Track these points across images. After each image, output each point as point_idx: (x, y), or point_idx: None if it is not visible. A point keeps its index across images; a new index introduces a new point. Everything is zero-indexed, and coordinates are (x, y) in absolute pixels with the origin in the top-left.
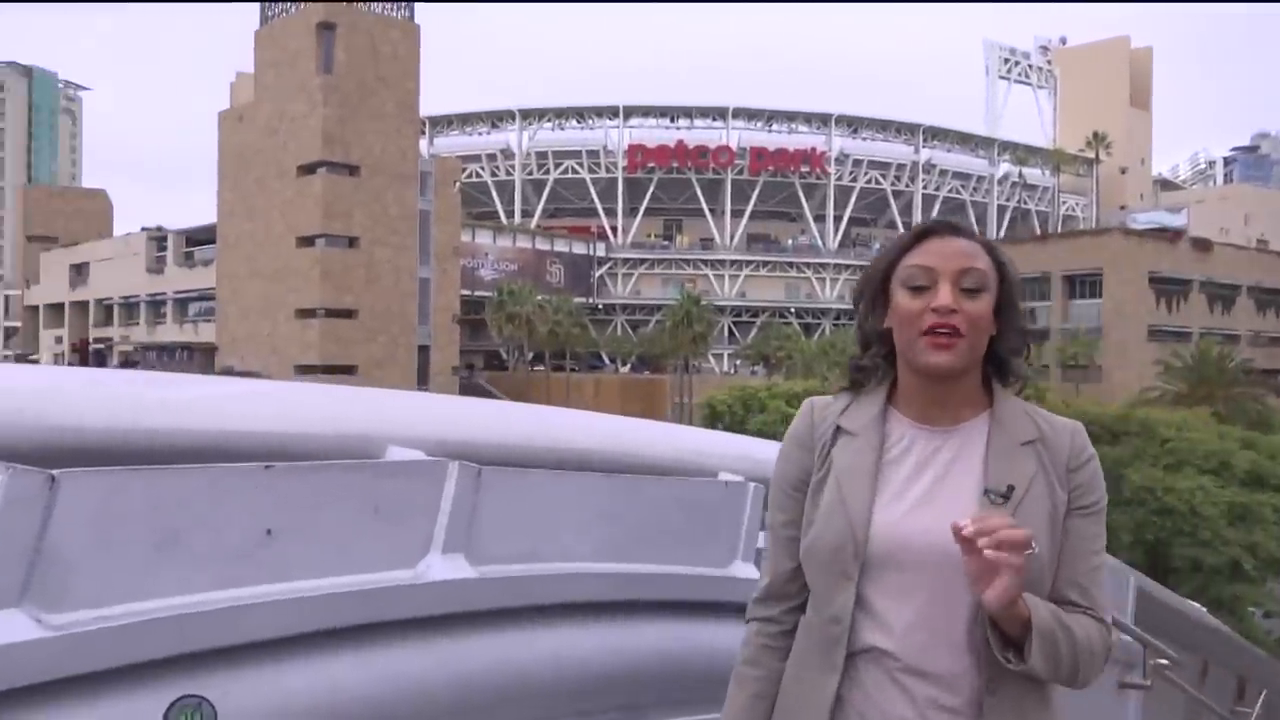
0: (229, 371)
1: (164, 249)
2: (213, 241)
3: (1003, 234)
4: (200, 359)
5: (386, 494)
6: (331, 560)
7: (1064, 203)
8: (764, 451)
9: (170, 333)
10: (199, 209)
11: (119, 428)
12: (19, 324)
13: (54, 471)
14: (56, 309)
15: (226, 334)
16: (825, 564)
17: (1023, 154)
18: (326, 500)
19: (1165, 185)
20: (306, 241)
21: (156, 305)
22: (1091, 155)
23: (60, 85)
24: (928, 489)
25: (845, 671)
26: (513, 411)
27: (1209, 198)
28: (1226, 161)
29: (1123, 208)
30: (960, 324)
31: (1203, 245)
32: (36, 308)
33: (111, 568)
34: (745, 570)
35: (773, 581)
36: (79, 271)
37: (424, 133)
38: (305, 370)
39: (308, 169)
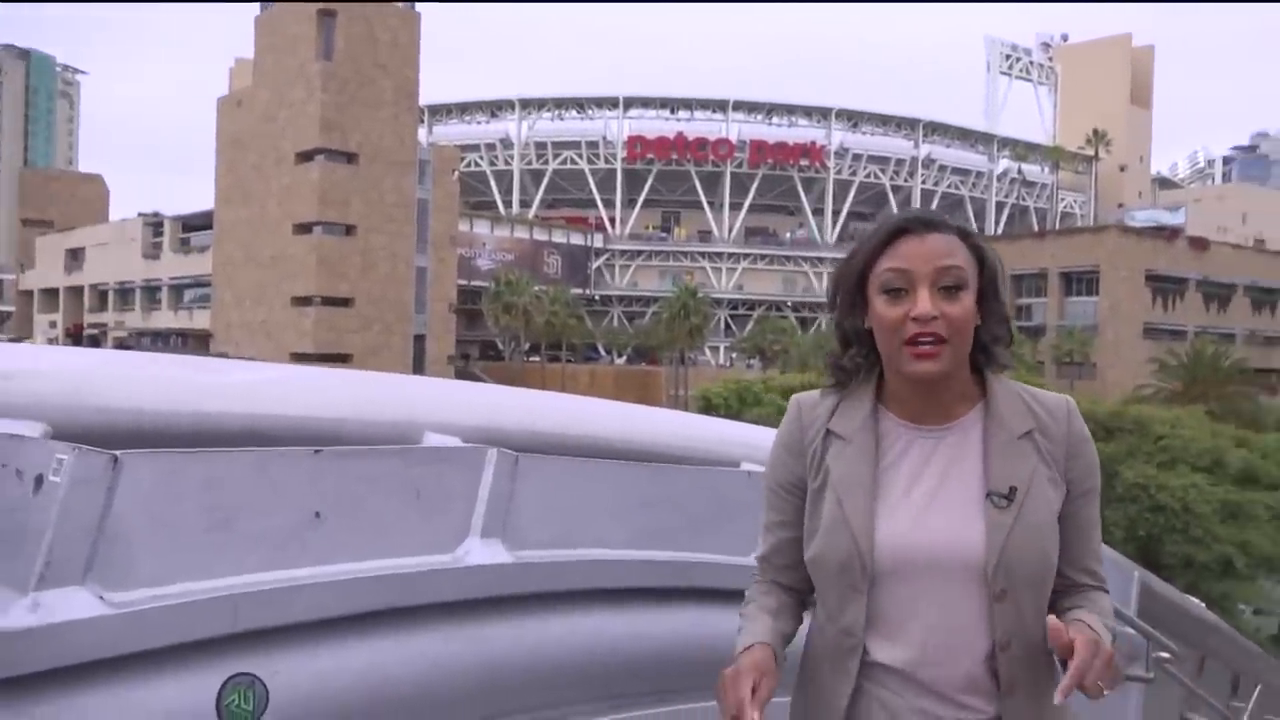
0: (223, 358)
1: (160, 235)
2: (209, 228)
3: (1001, 230)
4: (195, 345)
5: (427, 479)
6: (375, 544)
7: (1062, 200)
8: None
9: (165, 319)
10: (196, 195)
11: (175, 410)
12: (12, 309)
13: (117, 452)
14: (51, 294)
15: (221, 321)
16: (833, 578)
17: (1022, 150)
18: (371, 485)
19: (1164, 184)
20: (303, 229)
21: (152, 291)
22: (1091, 153)
23: (58, 69)
24: (928, 495)
25: (859, 681)
26: (545, 400)
27: (1207, 196)
28: (1225, 161)
29: (1121, 205)
30: (942, 330)
31: (1200, 244)
32: (31, 293)
33: (169, 547)
34: None
35: (765, 565)
36: (74, 256)
37: (423, 121)
38: (299, 358)
39: (305, 156)
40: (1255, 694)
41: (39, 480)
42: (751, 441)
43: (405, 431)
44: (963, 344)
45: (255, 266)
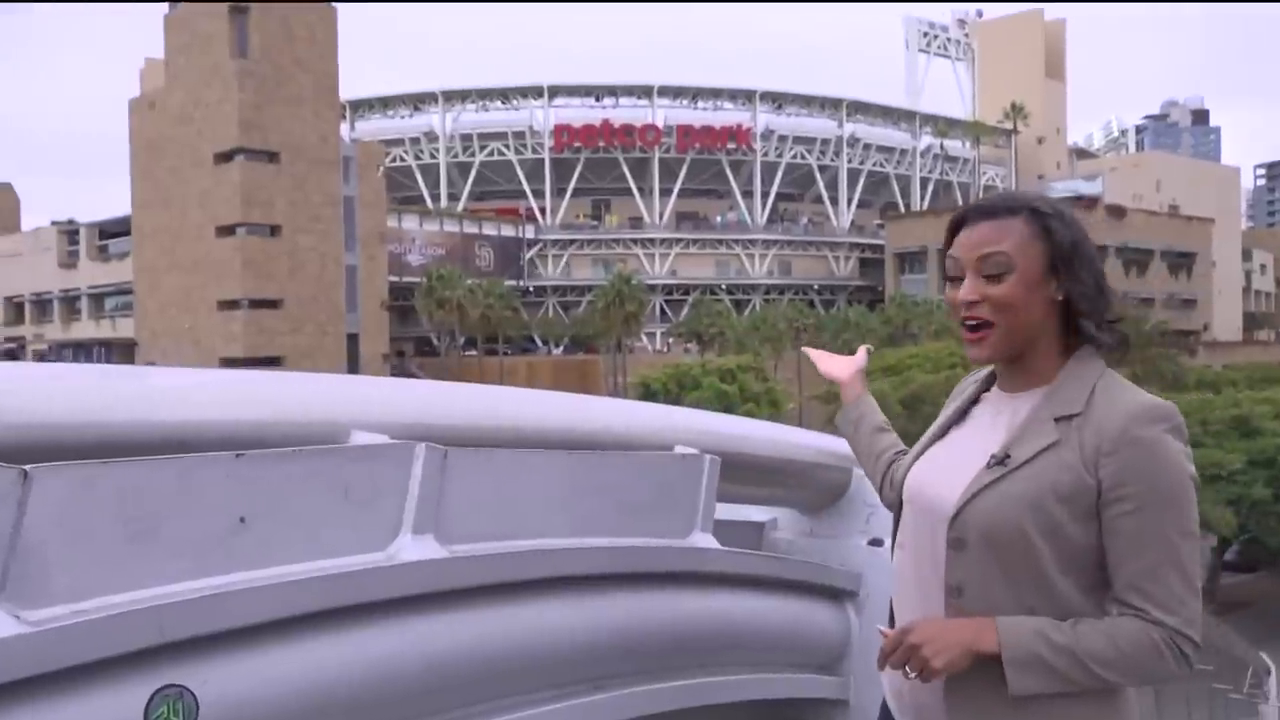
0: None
1: (76, 243)
2: (127, 234)
3: (926, 206)
4: (120, 355)
5: (356, 478)
6: (304, 545)
7: (984, 173)
8: (717, 424)
9: (87, 329)
10: (112, 200)
11: (87, 421)
12: None
13: (26, 467)
14: None
15: (146, 329)
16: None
17: (943, 126)
18: (297, 486)
19: (1081, 154)
20: (226, 231)
21: (71, 301)
22: (1009, 126)
23: None
24: (956, 448)
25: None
26: (473, 392)
27: (1122, 165)
28: (1138, 130)
29: (1040, 177)
30: (986, 314)
31: (1117, 212)
32: None
33: (87, 561)
34: (704, 540)
35: None
36: None
37: (345, 117)
38: (229, 363)
39: (225, 156)
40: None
41: None
42: (682, 424)
43: (331, 431)
44: (1012, 324)
45: (178, 272)
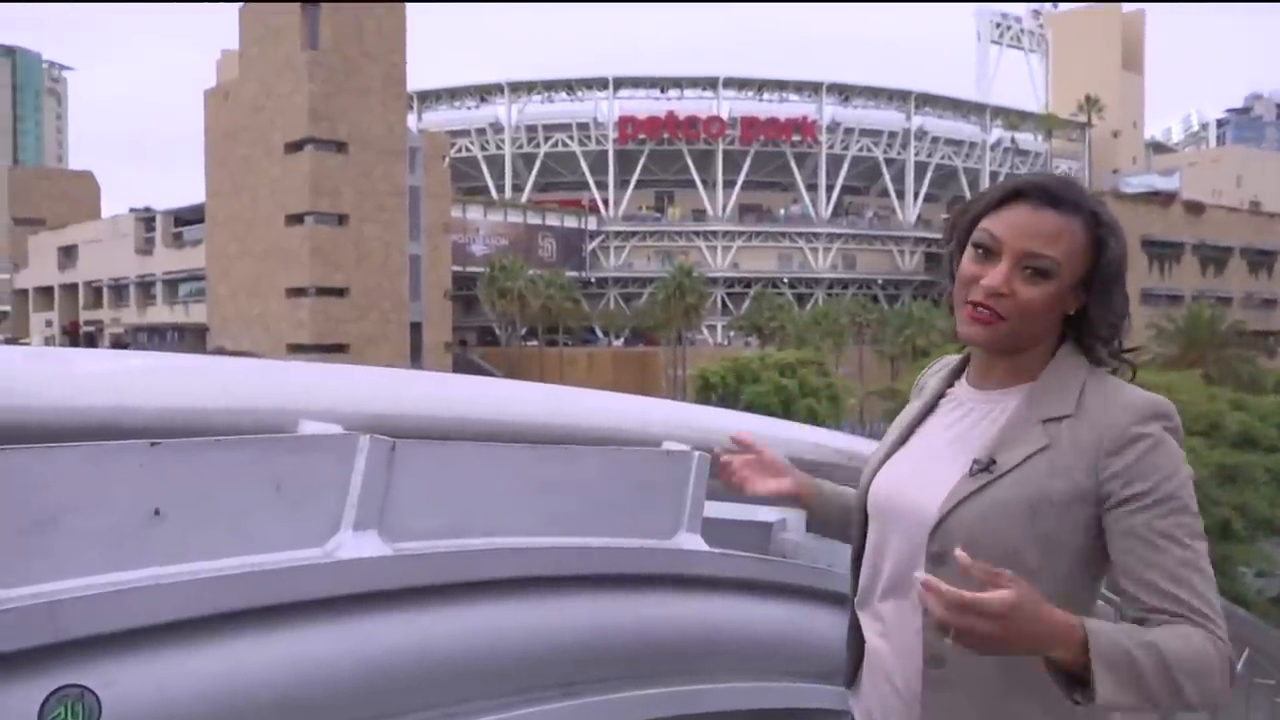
0: (221, 351)
1: (152, 230)
2: (201, 221)
3: None
4: (191, 340)
5: (289, 470)
6: (229, 541)
7: (1056, 167)
8: (709, 419)
9: (161, 314)
10: (187, 189)
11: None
12: (8, 308)
13: None
14: (45, 292)
15: (217, 314)
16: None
17: (1015, 119)
18: (221, 478)
19: (1158, 148)
20: (295, 219)
21: (146, 286)
22: (1084, 119)
23: (44, 66)
24: (929, 452)
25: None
26: (440, 382)
27: (1201, 160)
28: (1219, 124)
29: (1115, 171)
30: (1005, 310)
31: (1195, 208)
32: (25, 291)
33: None
34: (691, 541)
35: None
36: (67, 254)
37: (412, 108)
38: (296, 349)
39: (295, 146)
40: (1243, 657)
41: None
42: (672, 419)
43: (278, 420)
44: (1025, 327)
45: (249, 259)
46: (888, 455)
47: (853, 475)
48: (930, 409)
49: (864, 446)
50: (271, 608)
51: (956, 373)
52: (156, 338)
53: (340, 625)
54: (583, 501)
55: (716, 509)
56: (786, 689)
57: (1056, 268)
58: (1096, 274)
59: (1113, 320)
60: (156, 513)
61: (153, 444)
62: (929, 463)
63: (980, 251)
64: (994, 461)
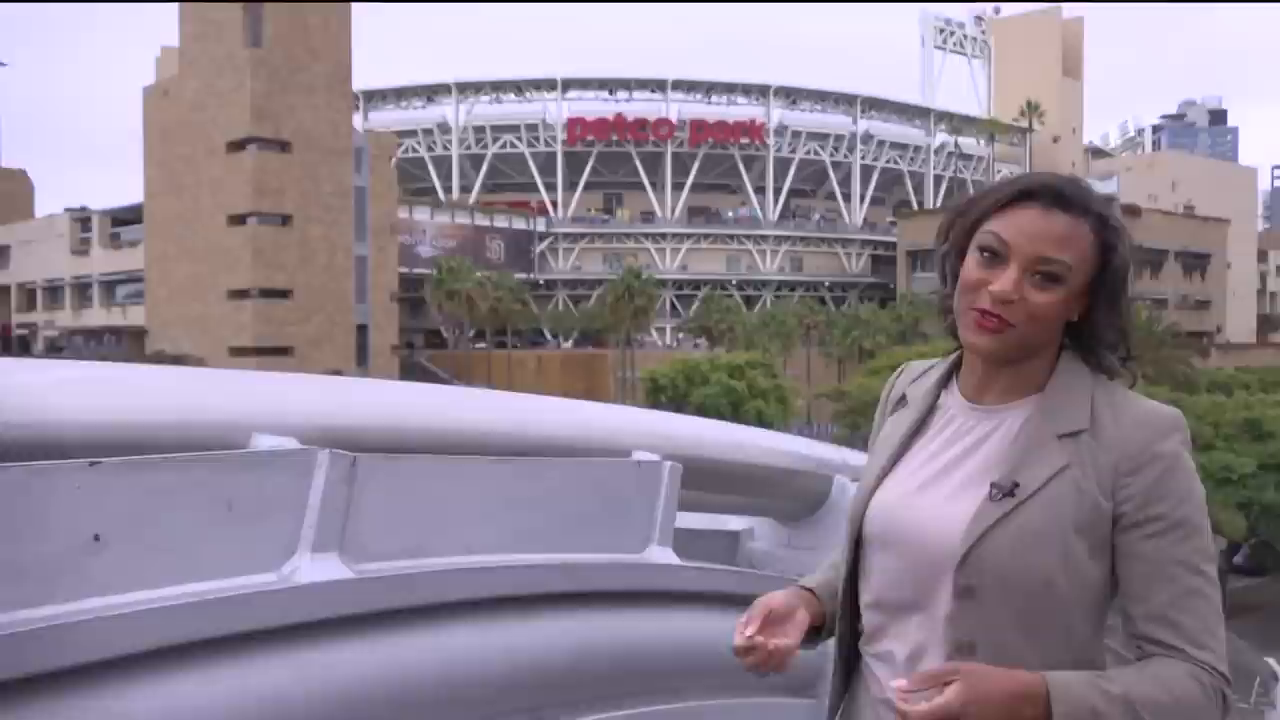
0: (160, 355)
1: (89, 230)
2: (140, 221)
3: (939, 203)
4: (130, 343)
5: (242, 489)
6: (177, 567)
7: (999, 171)
8: (681, 428)
9: (98, 316)
10: (125, 188)
11: None
12: None
13: None
14: None
15: (157, 317)
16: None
17: (958, 124)
18: (167, 499)
19: (1096, 153)
20: (238, 220)
21: (82, 288)
22: (1025, 124)
23: None
24: (935, 472)
25: (851, 627)
26: (402, 392)
27: (1138, 165)
28: (1154, 129)
29: None
30: (1014, 317)
31: (1132, 211)
32: None
33: None
34: (662, 555)
35: None
36: None
37: (358, 107)
38: (239, 352)
39: (237, 145)
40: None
41: None
42: (643, 429)
43: (229, 435)
44: (1034, 334)
45: (189, 260)
46: (882, 476)
47: (812, 481)
48: (921, 423)
49: (821, 450)
50: (224, 639)
51: (942, 382)
52: (93, 341)
53: (299, 655)
54: (552, 516)
55: (683, 518)
56: (760, 705)
57: (1068, 272)
58: (1103, 279)
59: (1120, 326)
60: (96, 539)
61: (92, 464)
62: (935, 485)
63: (987, 255)
64: (1017, 484)
